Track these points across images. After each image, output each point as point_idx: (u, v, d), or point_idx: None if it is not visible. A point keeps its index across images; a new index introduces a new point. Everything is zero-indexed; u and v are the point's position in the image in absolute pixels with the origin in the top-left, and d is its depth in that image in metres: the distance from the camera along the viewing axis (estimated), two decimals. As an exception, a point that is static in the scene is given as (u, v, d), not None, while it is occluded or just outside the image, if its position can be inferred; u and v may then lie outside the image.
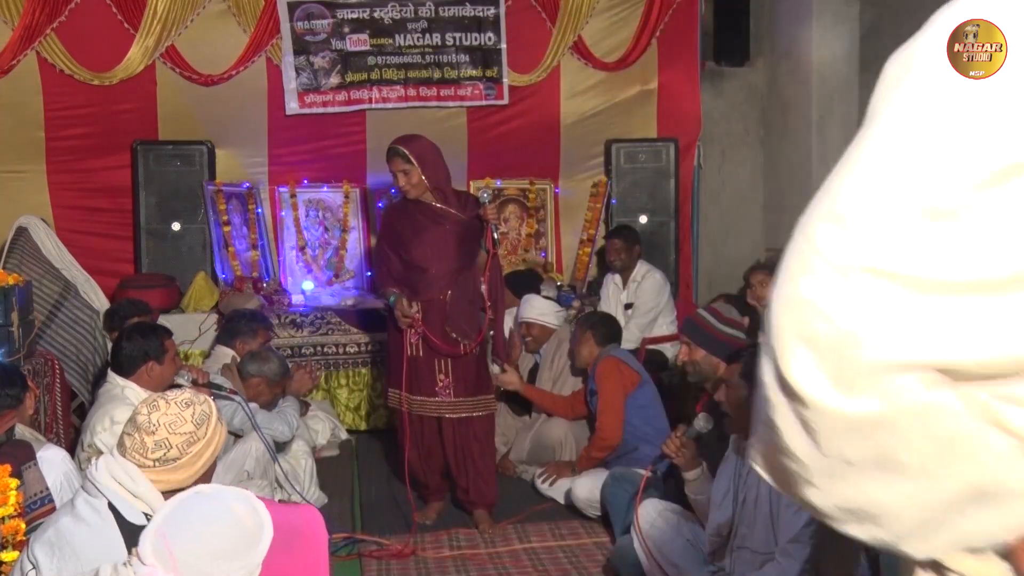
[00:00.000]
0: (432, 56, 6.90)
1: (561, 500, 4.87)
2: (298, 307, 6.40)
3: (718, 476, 3.45)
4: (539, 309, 5.60)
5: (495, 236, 4.53)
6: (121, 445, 2.39)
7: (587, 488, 4.62)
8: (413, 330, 4.54)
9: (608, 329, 5.14)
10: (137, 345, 4.00)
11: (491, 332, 4.76)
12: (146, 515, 2.37)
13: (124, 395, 3.91)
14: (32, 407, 3.68)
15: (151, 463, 2.36)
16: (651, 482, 3.74)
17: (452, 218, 4.53)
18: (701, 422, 3.47)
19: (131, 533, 2.32)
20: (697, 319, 4.25)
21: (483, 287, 4.60)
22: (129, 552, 2.26)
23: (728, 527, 3.36)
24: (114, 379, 4.01)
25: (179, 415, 2.39)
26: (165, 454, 2.37)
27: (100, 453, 3.67)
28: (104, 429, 3.79)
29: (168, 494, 2.39)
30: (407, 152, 4.45)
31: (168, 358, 4.02)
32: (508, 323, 5.55)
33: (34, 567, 2.28)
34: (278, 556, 2.57)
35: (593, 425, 5.02)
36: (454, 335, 4.53)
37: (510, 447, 5.48)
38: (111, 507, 2.34)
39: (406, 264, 4.56)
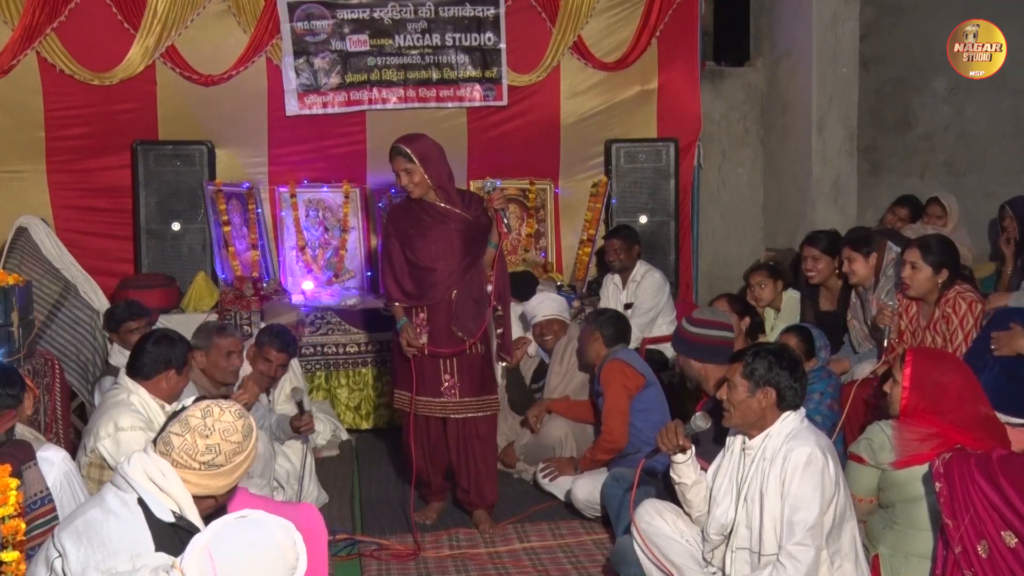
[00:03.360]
0: (432, 56, 6.90)
1: (562, 497, 4.87)
2: (273, 304, 6.38)
3: (719, 472, 3.45)
4: (556, 307, 5.62)
5: (506, 221, 4.53)
6: (167, 444, 2.43)
7: (587, 489, 4.62)
8: (418, 330, 4.54)
9: (616, 329, 5.11)
10: (163, 351, 3.93)
11: (499, 331, 4.76)
12: (173, 512, 2.42)
13: (130, 401, 3.84)
14: (31, 407, 3.67)
15: (197, 466, 2.41)
16: (644, 479, 3.77)
17: (456, 217, 4.52)
18: (699, 421, 3.46)
19: (158, 529, 2.38)
20: (678, 329, 4.39)
21: (489, 287, 4.59)
22: (156, 548, 2.33)
23: (730, 526, 3.36)
24: (124, 382, 3.95)
25: (232, 424, 2.45)
26: (213, 459, 2.42)
27: (102, 459, 3.69)
28: (108, 435, 3.74)
29: (199, 499, 2.46)
30: (409, 151, 4.45)
31: (187, 370, 3.99)
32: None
33: (60, 555, 2.33)
34: None
35: (598, 428, 5.04)
36: (459, 334, 4.53)
37: (511, 443, 5.47)
38: (140, 502, 2.39)
39: (412, 264, 4.56)
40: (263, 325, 5.54)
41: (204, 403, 2.50)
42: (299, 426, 4.62)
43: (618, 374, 4.85)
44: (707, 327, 4.23)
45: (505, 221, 4.53)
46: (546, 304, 5.65)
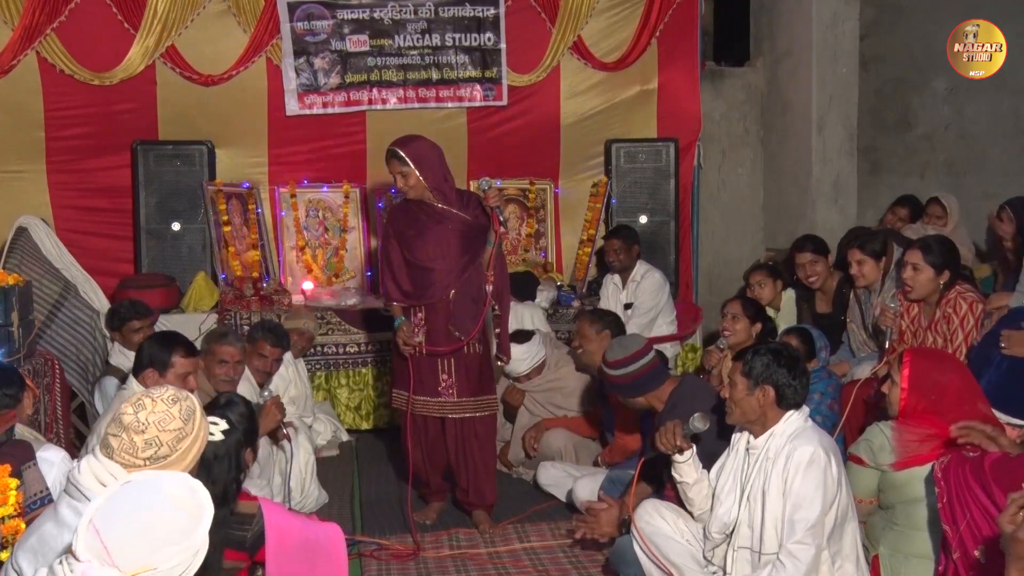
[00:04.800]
0: (431, 57, 6.90)
1: (562, 498, 4.87)
2: (298, 307, 6.40)
3: (723, 471, 3.45)
4: (529, 358, 5.32)
5: (501, 218, 4.50)
6: (107, 447, 2.35)
7: (588, 488, 4.61)
8: (416, 330, 4.54)
9: (622, 327, 5.05)
10: (144, 350, 4.01)
11: (497, 330, 4.75)
12: None
13: None
14: (31, 407, 3.67)
15: (142, 462, 2.32)
16: (643, 477, 3.80)
17: (454, 217, 4.52)
18: (697, 422, 3.46)
19: None
20: (602, 375, 4.23)
21: (488, 287, 4.59)
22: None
23: (732, 525, 3.36)
24: (131, 382, 4.01)
25: (167, 412, 2.37)
26: (156, 452, 2.33)
27: None
28: None
29: None
30: (403, 154, 4.45)
31: (173, 373, 3.95)
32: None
33: (18, 575, 2.26)
34: (302, 570, 2.53)
35: (602, 436, 5.10)
36: (457, 333, 4.53)
37: (508, 442, 5.45)
38: None
39: (410, 264, 4.56)
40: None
41: (135, 397, 2.41)
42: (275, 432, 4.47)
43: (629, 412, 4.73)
44: (626, 364, 4.07)
45: (501, 219, 4.52)
46: (517, 361, 5.23)
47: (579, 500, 4.66)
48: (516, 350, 5.22)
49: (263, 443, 4.39)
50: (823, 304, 5.53)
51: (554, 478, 4.97)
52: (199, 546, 1.98)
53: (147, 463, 2.32)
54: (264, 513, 2.41)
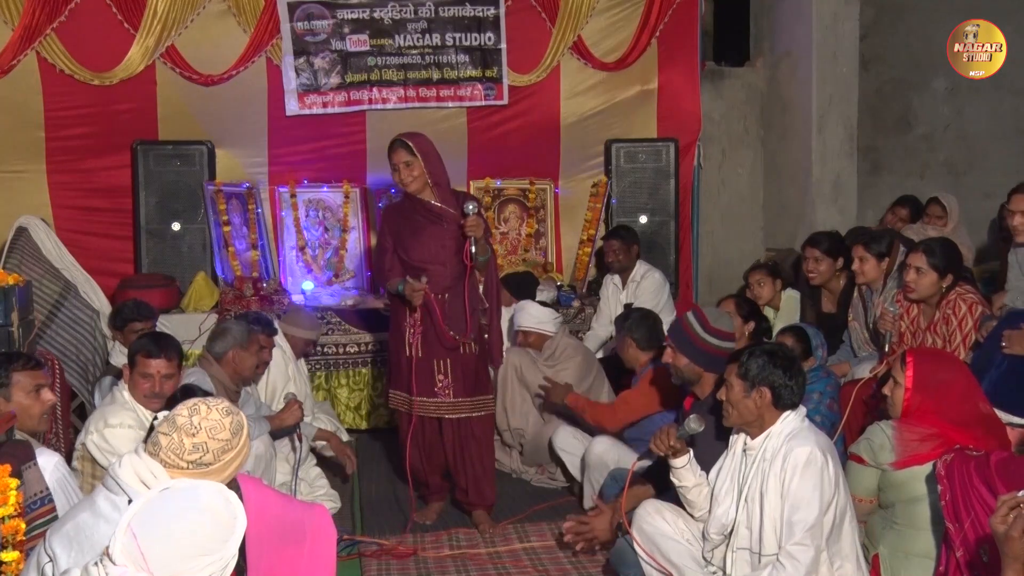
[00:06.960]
0: (432, 56, 6.91)
1: (574, 470, 4.90)
2: (298, 306, 6.39)
3: (721, 472, 3.45)
4: (536, 317, 5.49)
5: (472, 250, 4.39)
6: (155, 444, 2.39)
7: (606, 445, 4.66)
8: (412, 330, 4.55)
9: (647, 329, 4.95)
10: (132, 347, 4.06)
11: (485, 336, 4.74)
12: None
13: (125, 399, 3.94)
14: (38, 417, 3.66)
15: (185, 465, 2.36)
16: (636, 479, 3.80)
17: (451, 217, 4.52)
18: (693, 424, 3.46)
19: None
20: (684, 324, 4.09)
21: (482, 287, 4.59)
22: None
23: (731, 526, 3.36)
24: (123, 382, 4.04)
25: (220, 422, 2.40)
26: (201, 458, 2.36)
27: (90, 454, 3.72)
28: (96, 431, 3.83)
29: None
30: (412, 144, 4.46)
31: (137, 372, 3.94)
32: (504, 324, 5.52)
33: (51, 560, 2.29)
34: (288, 549, 2.54)
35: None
36: (452, 333, 4.53)
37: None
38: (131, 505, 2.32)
39: (405, 264, 4.56)
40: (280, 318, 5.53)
41: (192, 401, 2.45)
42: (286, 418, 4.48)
43: (660, 383, 4.62)
44: (719, 337, 4.02)
45: (472, 250, 4.39)
46: (525, 313, 5.49)
47: (593, 454, 4.69)
48: (533, 307, 5.53)
49: (263, 444, 4.38)
50: (829, 304, 5.51)
51: (570, 445, 4.97)
52: (229, 558, 2.01)
53: (190, 467, 2.36)
54: (240, 486, 2.42)
